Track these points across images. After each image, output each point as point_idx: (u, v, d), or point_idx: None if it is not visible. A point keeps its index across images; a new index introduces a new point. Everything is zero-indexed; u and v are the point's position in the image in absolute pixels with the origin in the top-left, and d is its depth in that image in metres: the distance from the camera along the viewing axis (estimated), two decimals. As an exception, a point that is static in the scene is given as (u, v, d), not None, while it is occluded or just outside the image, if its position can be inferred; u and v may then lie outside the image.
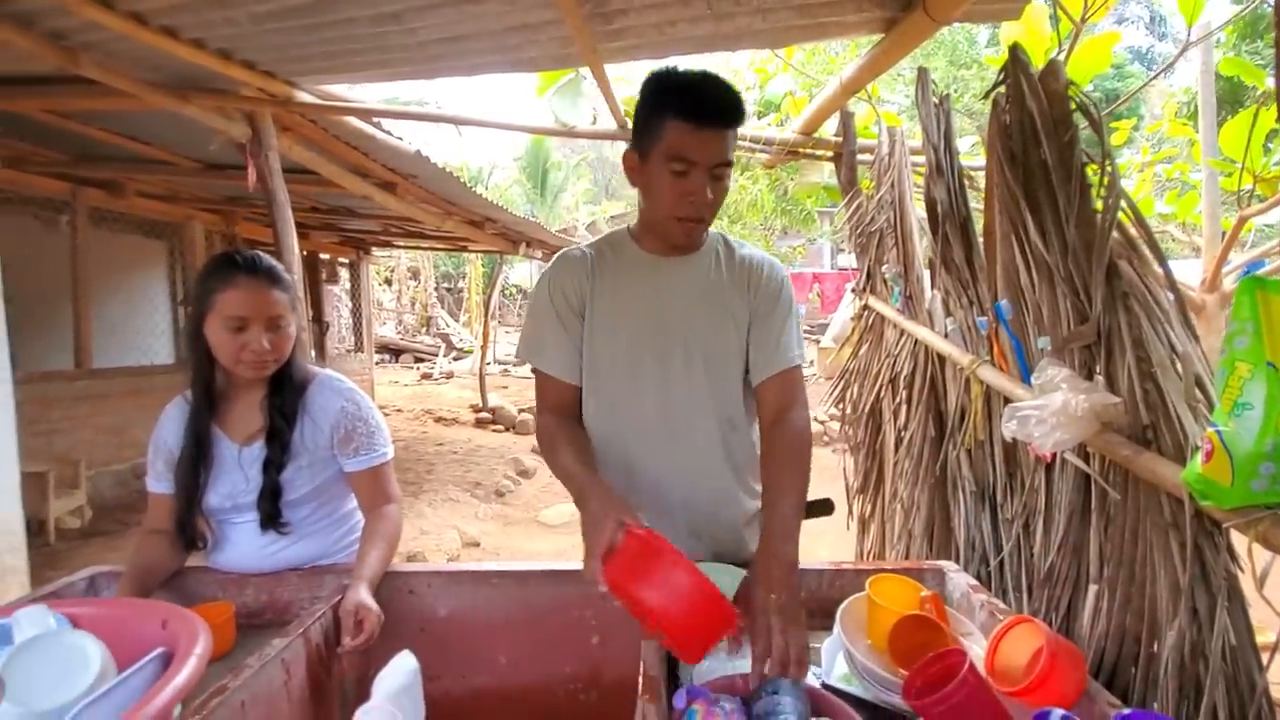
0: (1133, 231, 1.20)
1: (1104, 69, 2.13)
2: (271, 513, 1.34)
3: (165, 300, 7.06)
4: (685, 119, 1.10)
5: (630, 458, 1.30)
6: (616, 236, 1.35)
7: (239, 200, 5.93)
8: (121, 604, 0.90)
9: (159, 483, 1.36)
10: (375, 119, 3.15)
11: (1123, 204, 1.19)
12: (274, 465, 1.33)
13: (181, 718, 0.92)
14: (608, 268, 1.30)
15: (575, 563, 1.48)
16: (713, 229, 1.33)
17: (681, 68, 1.19)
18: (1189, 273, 3.24)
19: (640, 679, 1.00)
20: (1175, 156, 4.43)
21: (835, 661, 1.19)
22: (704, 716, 0.94)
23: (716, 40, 2.05)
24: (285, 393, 1.36)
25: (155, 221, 6.40)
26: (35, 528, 4.45)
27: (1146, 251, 1.18)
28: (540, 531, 5.26)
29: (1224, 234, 3.06)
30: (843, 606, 1.20)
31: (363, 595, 1.20)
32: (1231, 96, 9.32)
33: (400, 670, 0.84)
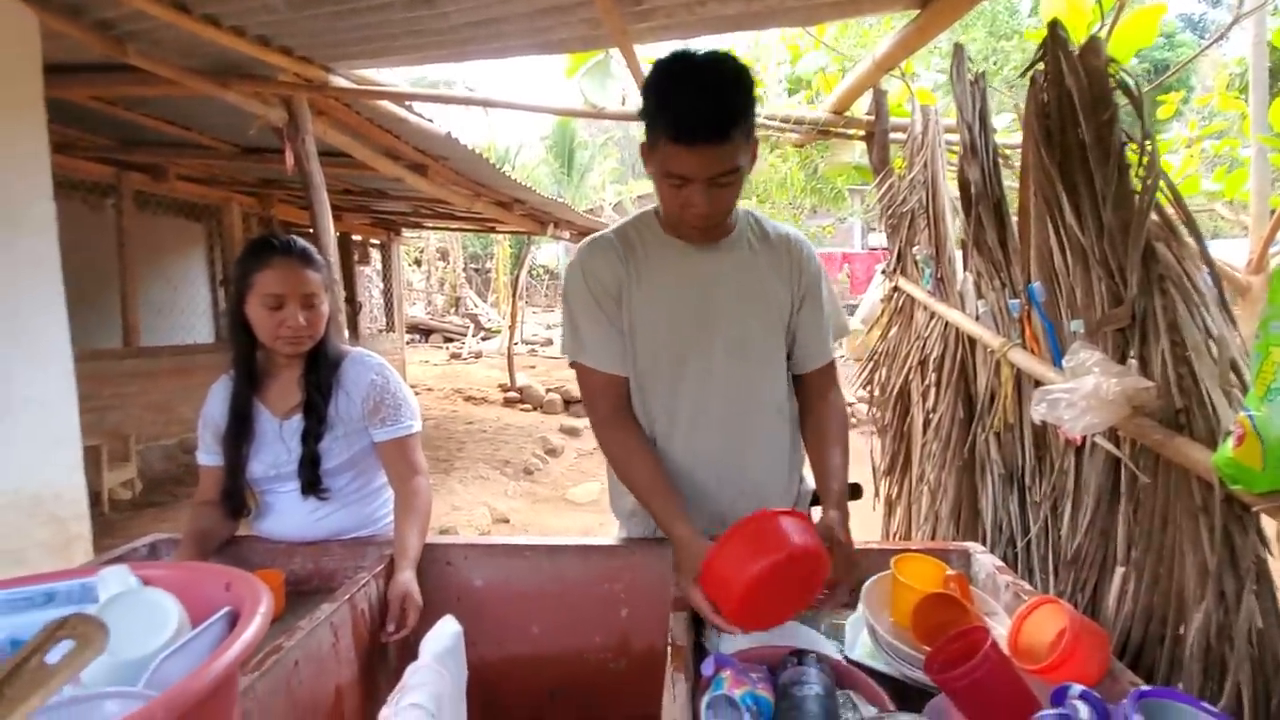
0: (1171, 213, 1.18)
1: (1149, 42, 2.06)
2: (312, 479, 1.41)
3: (205, 280, 7.26)
4: (675, 140, 1.03)
5: (677, 452, 1.28)
6: (643, 221, 1.29)
7: (274, 183, 6.05)
8: (188, 567, 0.96)
9: (208, 455, 1.45)
10: (406, 102, 3.19)
11: (1162, 184, 1.18)
12: (312, 435, 1.40)
13: (242, 673, 1.00)
14: (639, 256, 1.24)
15: (604, 539, 1.53)
16: (740, 206, 1.29)
17: (693, 52, 1.07)
18: (1235, 253, 3.14)
19: (669, 649, 1.04)
20: (1225, 131, 4.25)
21: (859, 637, 1.21)
22: (731, 683, 0.98)
23: (747, 19, 2.03)
24: (321, 369, 1.42)
25: (195, 204, 6.58)
26: (91, 499, 4.69)
27: (1185, 233, 1.16)
28: (568, 509, 5.36)
29: (1273, 213, 2.95)
30: (867, 584, 1.23)
31: (409, 582, 1.27)
32: (1287, 68, 8.85)
33: (445, 633, 0.89)
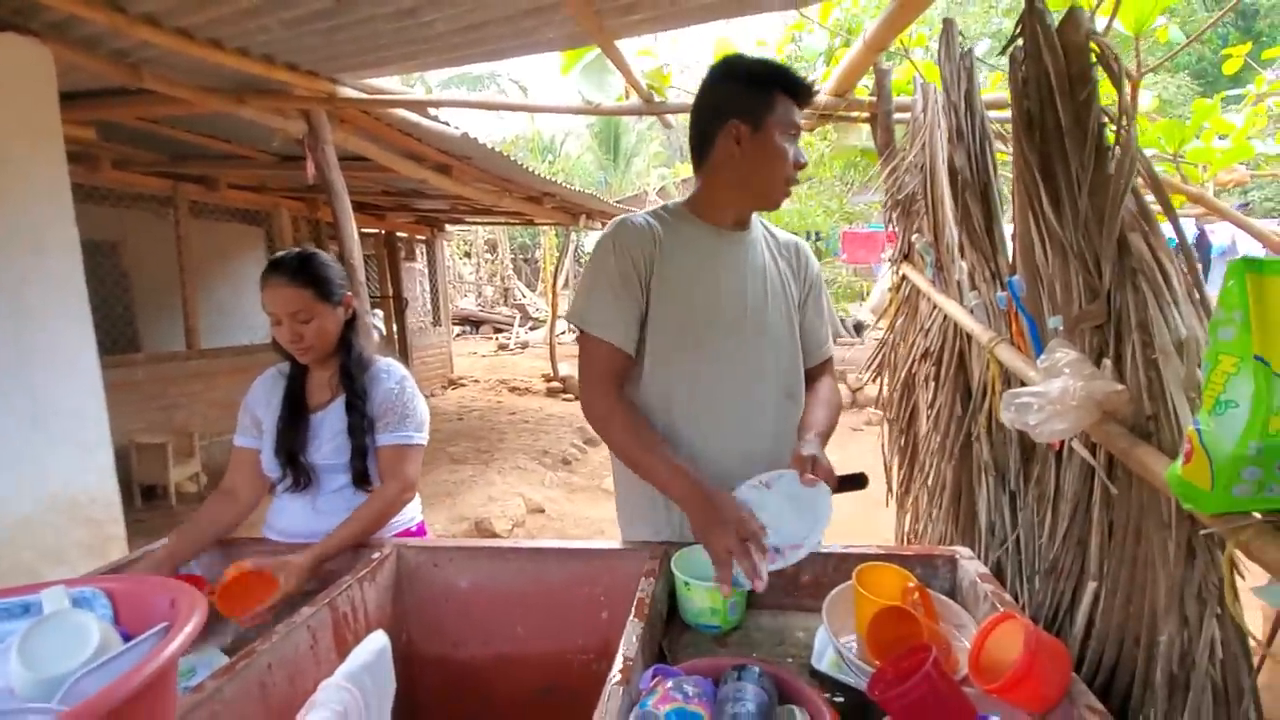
0: (1150, 200, 1.09)
1: (1171, 2, 1.87)
2: (361, 471, 1.51)
3: (264, 281, 7.63)
4: (790, 94, 1.27)
5: (691, 421, 1.34)
6: (675, 210, 1.40)
7: (317, 188, 6.28)
8: (144, 581, 1.02)
9: (243, 437, 1.57)
10: (418, 107, 3.25)
11: (1139, 167, 1.08)
12: (358, 429, 1.50)
13: (212, 677, 1.06)
14: (673, 238, 1.34)
15: (586, 541, 1.55)
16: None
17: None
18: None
19: (620, 661, 1.03)
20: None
21: (827, 649, 1.19)
22: (660, 699, 0.97)
23: (730, 6, 1.97)
24: (354, 374, 1.53)
25: (250, 210, 6.93)
26: (160, 492, 5.05)
27: (1166, 222, 1.07)
28: (604, 498, 5.41)
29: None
30: (830, 596, 1.21)
31: (294, 564, 1.33)
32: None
33: (366, 649, 0.92)
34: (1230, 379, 0.77)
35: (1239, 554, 0.78)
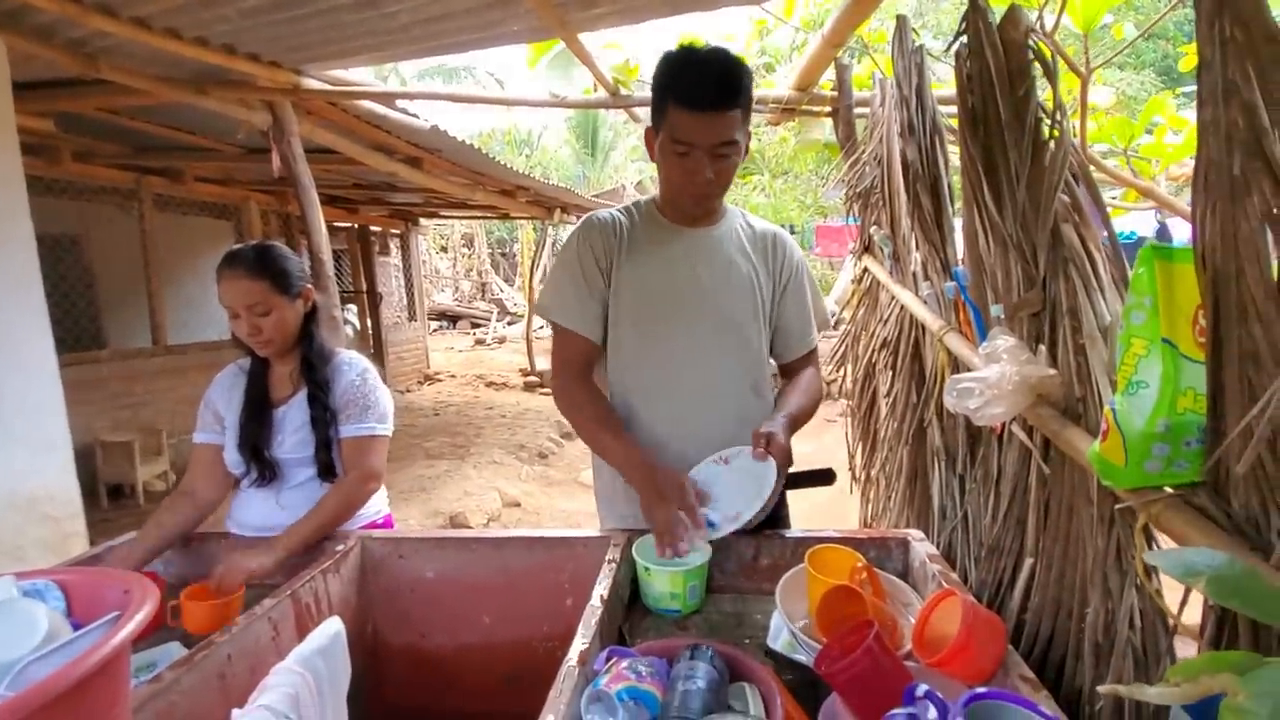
0: (1081, 192, 1.13)
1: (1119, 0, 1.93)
2: (328, 463, 1.51)
3: (233, 277, 7.47)
4: (682, 104, 1.16)
5: (654, 418, 1.36)
6: (642, 205, 1.41)
7: (286, 181, 6.19)
8: (98, 573, 1.03)
9: (202, 433, 1.56)
10: (384, 99, 3.22)
11: (1072, 162, 1.12)
12: (322, 421, 1.50)
13: (170, 668, 1.06)
14: (637, 233, 1.36)
15: (551, 530, 1.57)
16: (732, 205, 1.42)
17: (695, 44, 1.22)
18: None
19: (577, 643, 1.06)
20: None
21: (782, 629, 1.22)
22: (613, 678, 0.99)
23: (688, 0, 1.99)
24: (315, 366, 1.53)
25: (219, 204, 6.80)
26: (128, 491, 4.96)
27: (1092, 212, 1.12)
28: (581, 491, 5.43)
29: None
30: (785, 577, 1.24)
31: (245, 563, 1.33)
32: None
33: (319, 634, 0.93)
34: (1141, 361, 0.82)
35: (1152, 526, 0.82)
